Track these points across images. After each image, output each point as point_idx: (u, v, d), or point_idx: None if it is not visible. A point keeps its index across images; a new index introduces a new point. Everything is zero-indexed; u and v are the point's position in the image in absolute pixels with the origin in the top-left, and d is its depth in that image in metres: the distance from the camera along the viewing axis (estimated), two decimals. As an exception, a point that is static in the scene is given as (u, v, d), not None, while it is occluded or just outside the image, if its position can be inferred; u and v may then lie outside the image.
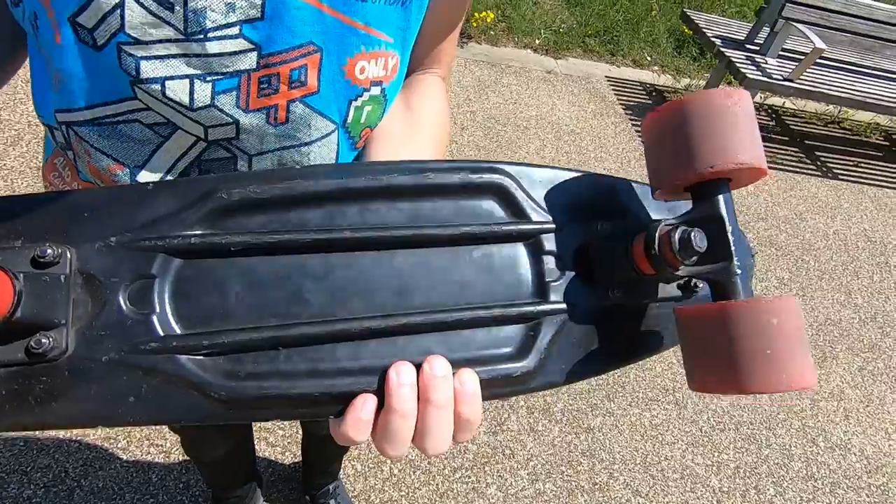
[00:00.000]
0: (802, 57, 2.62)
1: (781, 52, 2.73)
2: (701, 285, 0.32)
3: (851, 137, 3.21)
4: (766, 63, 2.65)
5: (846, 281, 2.20)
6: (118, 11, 0.31)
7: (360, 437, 0.26)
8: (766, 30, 2.74)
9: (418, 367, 0.27)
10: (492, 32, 3.10)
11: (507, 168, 0.31)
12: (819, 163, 2.91)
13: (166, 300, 0.26)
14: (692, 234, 0.27)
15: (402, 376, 0.26)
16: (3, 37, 0.39)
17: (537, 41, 3.20)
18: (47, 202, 0.26)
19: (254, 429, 1.12)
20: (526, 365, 0.29)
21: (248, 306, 0.26)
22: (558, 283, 0.31)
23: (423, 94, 0.47)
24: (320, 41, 0.36)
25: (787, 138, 3.03)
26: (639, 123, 2.79)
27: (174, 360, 0.25)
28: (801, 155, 2.92)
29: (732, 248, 0.27)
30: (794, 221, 2.45)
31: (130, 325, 0.25)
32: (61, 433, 1.17)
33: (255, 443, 1.13)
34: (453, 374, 0.27)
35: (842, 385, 1.80)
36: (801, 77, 2.57)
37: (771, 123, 3.13)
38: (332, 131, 0.41)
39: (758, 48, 2.75)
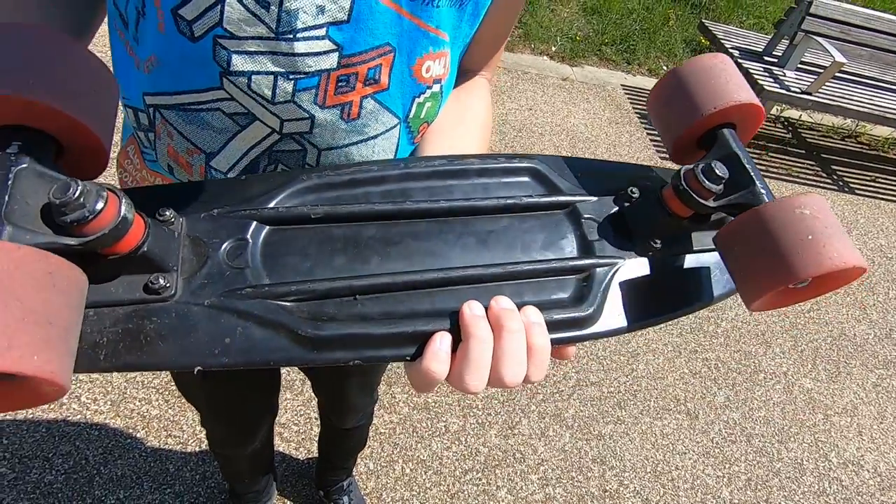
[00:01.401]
0: (821, 70, 2.61)
1: (800, 65, 2.73)
2: None
3: (869, 152, 3.19)
4: (785, 75, 2.64)
5: (861, 296, 2.18)
6: (218, 7, 0.34)
7: (440, 368, 0.27)
8: (785, 42, 2.74)
9: (485, 309, 0.29)
10: (509, 39, 3.12)
11: (537, 157, 0.36)
12: (835, 177, 2.89)
13: (258, 258, 0.29)
14: (713, 164, 0.30)
15: (474, 309, 0.28)
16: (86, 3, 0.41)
17: (553, 48, 3.22)
18: (163, 189, 0.31)
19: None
20: (583, 310, 0.31)
21: (326, 265, 0.30)
22: (601, 241, 0.33)
23: (473, 94, 0.50)
24: (395, 42, 0.38)
25: (803, 151, 3.02)
26: (655, 133, 2.79)
27: (265, 304, 0.27)
28: (817, 168, 2.91)
29: (752, 173, 0.30)
30: (810, 235, 2.43)
31: (228, 276, 0.28)
32: (83, 420, 1.20)
33: (273, 443, 1.14)
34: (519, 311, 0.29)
35: (855, 401, 1.79)
36: (820, 90, 2.56)
37: (787, 136, 3.12)
38: (395, 125, 0.43)
39: (776, 60, 2.75)
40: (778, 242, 0.26)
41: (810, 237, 0.26)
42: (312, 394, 1.38)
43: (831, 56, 2.41)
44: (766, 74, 2.60)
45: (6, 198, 0.21)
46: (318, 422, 1.32)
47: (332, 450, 1.08)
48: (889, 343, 2.02)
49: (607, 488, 1.38)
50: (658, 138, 2.76)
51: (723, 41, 2.84)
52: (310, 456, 1.27)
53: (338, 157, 0.43)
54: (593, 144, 2.58)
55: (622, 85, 3.13)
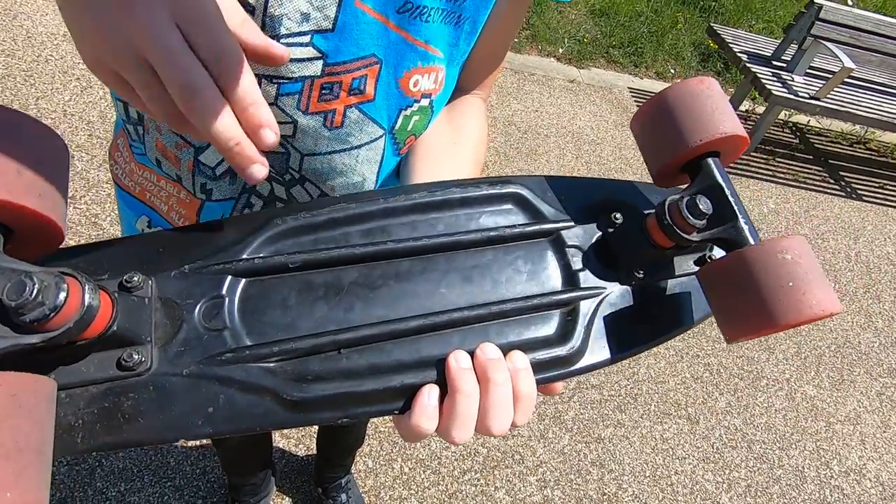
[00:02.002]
0: (830, 75, 2.60)
1: (809, 70, 2.71)
2: (715, 257, 0.35)
3: (877, 158, 3.16)
4: (793, 80, 2.62)
5: (867, 304, 2.17)
6: None
7: (429, 424, 0.27)
8: (794, 47, 2.72)
9: (471, 355, 0.29)
10: (515, 40, 3.12)
11: (520, 180, 0.35)
12: (843, 183, 2.87)
13: (236, 316, 0.28)
14: (697, 198, 0.30)
15: (460, 362, 0.28)
16: None
17: (560, 50, 3.22)
18: (128, 243, 0.29)
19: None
20: (569, 346, 0.31)
21: (308, 316, 0.29)
22: (585, 271, 0.33)
23: (465, 113, 0.49)
24: (382, 54, 0.38)
25: (810, 157, 2.99)
26: (640, 150, 2.78)
27: (247, 368, 0.27)
28: (824, 174, 2.89)
29: (735, 207, 0.30)
30: (815, 241, 2.41)
31: (206, 340, 0.27)
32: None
33: (272, 434, 1.15)
34: (504, 357, 0.29)
35: (859, 409, 1.78)
36: (828, 95, 2.55)
37: (795, 141, 3.10)
38: (381, 136, 0.43)
39: (784, 65, 2.73)
40: (759, 288, 0.27)
41: (791, 284, 0.26)
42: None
43: (840, 61, 2.39)
44: (775, 79, 2.59)
45: None
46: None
47: (330, 447, 1.09)
48: (894, 351, 2.00)
49: (606, 492, 1.38)
50: (664, 142, 2.75)
51: (731, 45, 2.83)
52: (309, 453, 1.27)
53: (320, 162, 0.43)
54: (599, 147, 2.58)
55: (629, 88, 3.12)
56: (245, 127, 0.27)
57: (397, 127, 0.44)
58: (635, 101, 3.02)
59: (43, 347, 0.22)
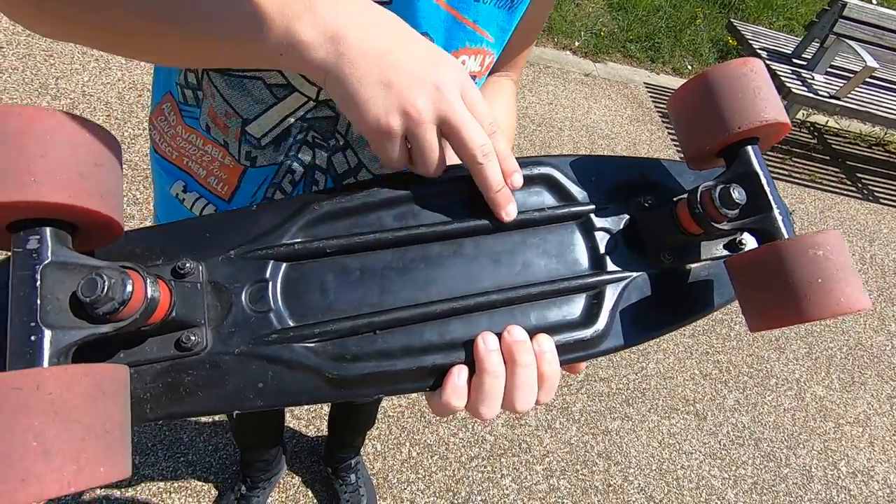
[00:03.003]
0: (851, 75, 2.56)
1: (829, 69, 2.67)
2: (745, 242, 0.35)
3: (896, 161, 3.12)
4: (813, 79, 2.59)
5: (881, 307, 2.15)
6: None
7: (458, 402, 0.29)
8: (816, 45, 2.68)
9: (499, 336, 0.30)
10: (532, 32, 3.10)
11: (551, 161, 0.35)
12: (860, 185, 2.83)
13: (279, 298, 0.30)
14: (731, 188, 0.29)
15: (488, 343, 0.29)
16: None
17: (577, 43, 3.19)
18: (177, 229, 0.31)
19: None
20: (594, 329, 0.31)
21: (345, 298, 0.30)
22: (612, 255, 0.33)
23: (496, 95, 0.50)
24: (433, 32, 0.39)
25: (827, 157, 2.96)
26: (674, 131, 2.76)
27: (292, 348, 0.28)
28: (841, 175, 2.85)
29: (770, 197, 0.30)
30: (830, 242, 2.39)
31: (253, 321, 0.29)
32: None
33: (284, 412, 1.17)
34: (531, 339, 0.30)
35: (868, 411, 1.77)
36: (849, 95, 2.51)
37: (812, 141, 3.06)
38: None
39: (805, 63, 2.69)
40: (787, 283, 0.27)
41: (820, 280, 0.26)
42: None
43: (863, 60, 2.35)
44: (794, 77, 2.55)
45: (38, 301, 0.21)
46: (329, 401, 1.35)
47: (341, 426, 1.10)
48: (907, 355, 1.98)
49: (612, 483, 1.38)
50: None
51: (751, 42, 2.79)
52: (319, 434, 1.29)
53: None
54: (613, 142, 2.56)
55: (645, 83, 3.09)
56: (504, 174, 0.32)
57: None
58: (651, 96, 2.99)
59: (110, 336, 0.23)
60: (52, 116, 0.23)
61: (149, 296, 0.24)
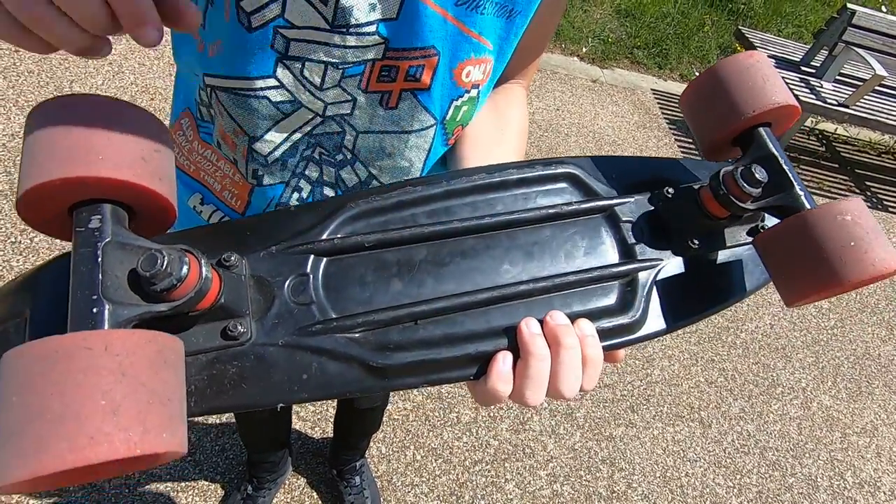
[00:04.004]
0: (860, 83, 2.54)
1: (838, 77, 2.66)
2: (768, 226, 0.35)
3: (906, 169, 3.09)
4: (822, 87, 2.58)
5: (888, 317, 2.13)
6: (280, 1, 0.36)
7: (504, 388, 0.29)
8: (824, 53, 2.67)
9: (540, 323, 0.30)
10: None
11: (572, 160, 0.36)
12: (869, 193, 2.81)
13: (320, 291, 0.30)
14: (752, 167, 0.31)
15: (532, 327, 0.30)
16: None
17: (584, 49, 3.20)
18: (219, 228, 0.32)
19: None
20: (631, 315, 0.32)
21: (384, 291, 0.31)
22: (641, 244, 0.34)
23: (509, 102, 0.51)
24: (440, 46, 0.40)
25: (836, 165, 2.94)
26: (682, 138, 2.76)
27: (335, 338, 0.29)
28: (850, 184, 2.84)
29: (790, 175, 0.31)
30: (838, 251, 2.38)
31: (296, 313, 0.29)
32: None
33: (291, 414, 1.18)
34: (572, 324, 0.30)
35: (876, 422, 1.75)
36: (858, 103, 2.50)
37: (821, 149, 3.05)
38: (432, 125, 0.45)
39: (813, 71, 2.69)
40: (821, 249, 0.27)
41: (852, 244, 0.27)
42: (329, 376, 1.41)
43: (872, 68, 2.35)
44: (803, 85, 2.55)
45: (100, 276, 0.22)
46: (334, 403, 1.36)
47: (347, 429, 1.11)
48: (915, 365, 1.96)
49: (615, 489, 1.38)
50: (686, 145, 2.73)
51: (759, 49, 2.79)
52: (324, 436, 1.30)
53: (372, 141, 0.45)
54: (619, 148, 2.56)
55: (652, 89, 3.10)
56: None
57: (448, 117, 0.46)
58: (658, 102, 3.00)
59: (161, 318, 0.24)
60: (118, 104, 0.25)
61: (203, 275, 0.24)
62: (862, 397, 1.81)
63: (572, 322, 0.30)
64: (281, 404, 0.28)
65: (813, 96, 2.47)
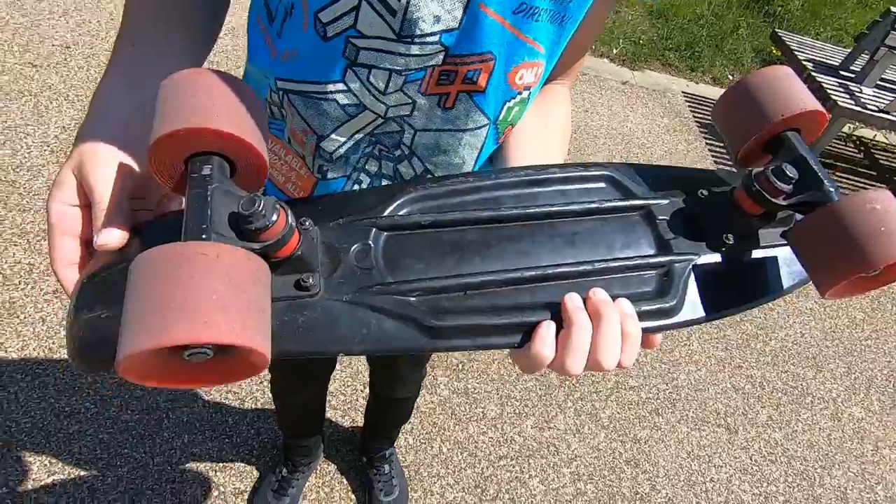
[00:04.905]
0: (903, 88, 2.47)
1: (879, 82, 2.59)
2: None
3: (948, 179, 2.99)
4: (861, 92, 2.51)
5: (926, 329, 2.07)
6: (354, 13, 0.39)
7: (548, 353, 0.31)
8: (865, 57, 2.61)
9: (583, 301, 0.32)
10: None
11: (611, 165, 0.39)
12: (908, 202, 2.73)
13: (381, 260, 0.34)
14: (783, 165, 0.33)
15: (575, 301, 0.32)
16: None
17: (615, 51, 3.18)
18: (294, 203, 0.36)
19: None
20: (667, 301, 0.34)
21: (437, 266, 0.34)
22: (676, 239, 0.36)
23: (554, 101, 0.54)
24: (497, 51, 0.42)
25: (874, 173, 2.86)
26: (713, 141, 2.72)
27: (394, 299, 0.32)
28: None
29: (820, 174, 0.33)
30: (874, 260, 2.32)
31: (359, 275, 0.32)
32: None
33: (325, 401, 1.22)
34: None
35: (910, 436, 1.71)
36: (899, 110, 2.43)
37: (858, 156, 2.97)
38: (485, 125, 0.48)
39: (853, 76, 2.62)
40: (853, 235, 0.29)
41: (883, 229, 0.28)
42: (359, 368, 1.45)
43: (916, 74, 2.28)
44: (841, 90, 2.49)
45: (209, 211, 0.26)
46: (364, 394, 1.39)
47: (379, 419, 1.15)
48: (953, 380, 1.91)
49: (639, 491, 1.39)
50: (717, 148, 2.69)
51: (796, 52, 2.73)
52: (354, 425, 1.34)
53: (428, 138, 0.48)
54: (648, 151, 2.55)
55: (683, 92, 3.06)
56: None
57: (500, 118, 0.48)
58: (689, 105, 2.96)
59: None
60: (230, 77, 0.30)
61: (289, 224, 0.28)
62: None
63: (612, 301, 0.32)
64: (342, 353, 0.31)
65: (852, 102, 2.41)
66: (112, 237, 0.30)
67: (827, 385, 1.79)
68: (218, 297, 0.22)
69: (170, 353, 0.22)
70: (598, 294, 0.32)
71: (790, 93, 0.34)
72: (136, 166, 0.33)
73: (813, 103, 0.34)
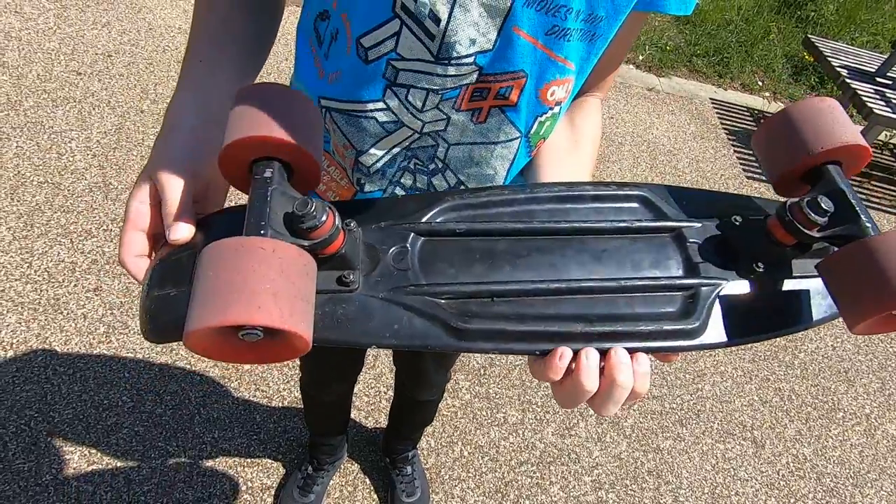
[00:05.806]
0: (943, 95, 2.39)
1: (918, 89, 2.51)
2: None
3: None
4: (898, 99, 2.44)
5: (967, 345, 1.99)
6: (395, 38, 0.42)
7: (555, 377, 0.33)
8: (903, 63, 2.53)
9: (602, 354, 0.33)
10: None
11: (645, 185, 0.40)
12: (948, 213, 2.63)
13: (416, 263, 0.36)
14: (819, 198, 0.33)
15: (591, 360, 0.32)
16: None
17: (641, 57, 3.16)
18: (343, 205, 0.38)
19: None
20: (689, 323, 0.34)
21: (468, 272, 0.36)
22: (705, 263, 0.37)
23: (585, 113, 0.55)
24: (529, 69, 0.44)
25: (911, 182, 2.77)
26: (742, 149, 2.67)
27: (425, 300, 0.34)
28: (926, 202, 2.66)
29: (857, 208, 0.33)
30: (911, 273, 2.24)
31: (395, 275, 0.35)
32: (188, 366, 1.36)
33: (351, 402, 1.25)
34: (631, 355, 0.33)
35: (948, 456, 1.65)
36: (939, 117, 2.35)
37: (895, 165, 2.88)
38: (517, 138, 0.50)
39: (890, 83, 2.55)
40: (884, 271, 0.28)
41: None
42: (382, 370, 1.48)
43: (957, 81, 2.20)
44: (877, 97, 2.42)
45: (268, 210, 0.29)
46: (387, 396, 1.42)
47: (403, 420, 1.17)
48: None
49: (661, 501, 1.37)
50: (746, 156, 2.64)
51: (830, 59, 2.67)
52: (377, 426, 1.36)
53: (462, 151, 0.50)
54: (675, 158, 2.52)
55: (711, 99, 3.02)
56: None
57: (532, 132, 0.50)
58: (717, 113, 2.92)
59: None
60: (294, 92, 0.33)
61: (336, 225, 0.31)
62: (933, 429, 1.71)
63: (632, 354, 0.32)
64: (374, 346, 0.33)
65: (888, 109, 2.35)
66: (182, 231, 0.34)
67: (859, 400, 1.74)
68: (271, 286, 0.25)
69: (228, 331, 0.25)
70: (620, 355, 0.32)
71: (833, 125, 0.34)
72: (202, 171, 0.37)
73: (855, 137, 0.34)
